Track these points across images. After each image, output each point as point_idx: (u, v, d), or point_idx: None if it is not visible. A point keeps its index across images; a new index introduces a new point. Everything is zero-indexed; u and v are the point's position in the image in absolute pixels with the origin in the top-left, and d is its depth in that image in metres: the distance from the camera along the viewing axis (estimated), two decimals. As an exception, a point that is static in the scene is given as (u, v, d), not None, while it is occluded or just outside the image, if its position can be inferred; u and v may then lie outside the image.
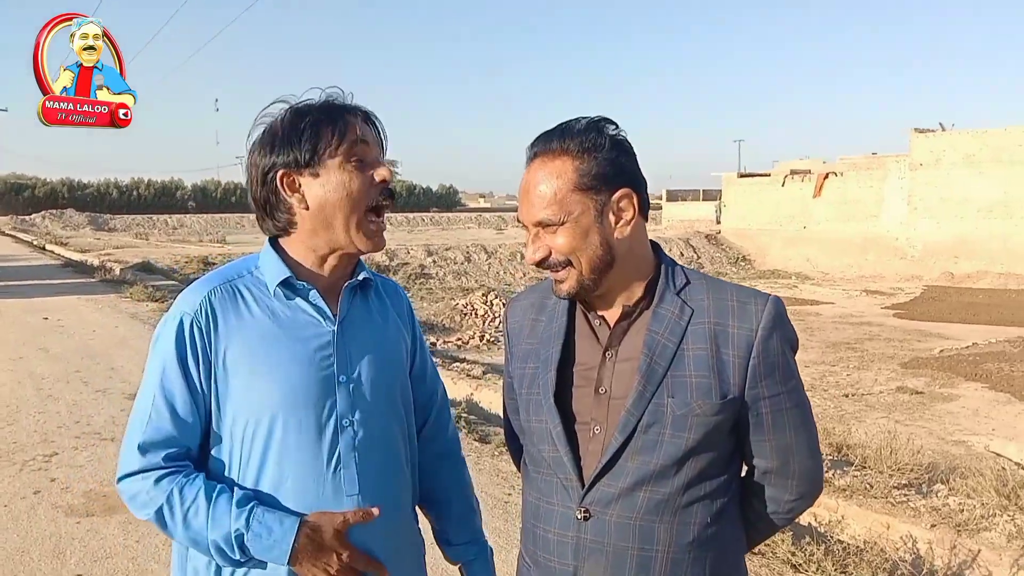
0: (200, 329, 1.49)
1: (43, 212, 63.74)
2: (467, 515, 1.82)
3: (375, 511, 1.49)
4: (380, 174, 1.55)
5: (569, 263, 1.42)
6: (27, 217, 61.68)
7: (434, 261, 25.85)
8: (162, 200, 79.58)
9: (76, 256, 27.47)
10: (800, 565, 3.95)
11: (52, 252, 31.69)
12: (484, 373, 8.72)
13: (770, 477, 1.51)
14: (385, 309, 1.70)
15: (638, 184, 1.44)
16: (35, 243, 37.60)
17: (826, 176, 30.56)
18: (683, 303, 1.44)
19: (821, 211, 30.28)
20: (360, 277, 1.63)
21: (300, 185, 1.52)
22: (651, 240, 1.52)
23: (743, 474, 1.55)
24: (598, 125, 1.43)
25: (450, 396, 8.15)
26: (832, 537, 4.20)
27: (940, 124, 27.42)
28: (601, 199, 1.40)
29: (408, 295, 1.83)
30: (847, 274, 27.37)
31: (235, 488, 1.48)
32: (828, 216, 29.92)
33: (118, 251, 28.84)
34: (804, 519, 4.74)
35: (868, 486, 4.84)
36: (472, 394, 7.92)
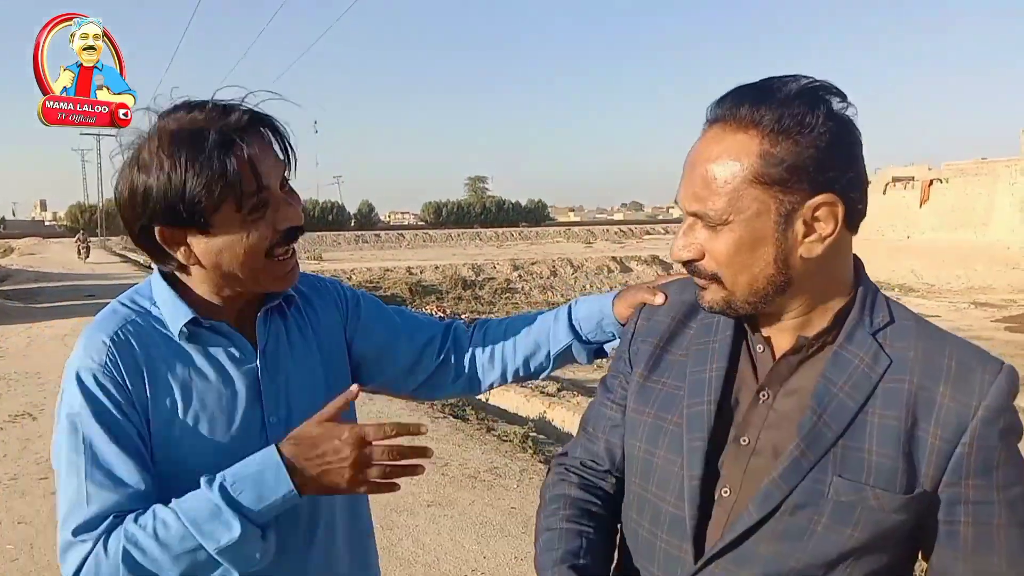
0: (114, 379, 1.23)
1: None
2: (547, 321, 1.57)
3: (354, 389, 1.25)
4: (286, 220, 1.27)
5: (718, 279, 1.09)
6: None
7: (520, 275, 25.77)
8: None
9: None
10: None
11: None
12: (559, 390, 8.50)
13: None
14: (313, 317, 1.46)
15: (851, 188, 1.03)
16: (142, 262, 39.26)
17: (931, 183, 29.18)
18: (879, 348, 1.06)
19: (926, 220, 28.94)
20: (278, 300, 1.40)
21: (186, 239, 1.26)
22: (854, 255, 1.13)
23: None
24: (815, 94, 1.02)
25: (521, 414, 7.96)
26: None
27: (1056, 125, 25.80)
28: (790, 200, 1.02)
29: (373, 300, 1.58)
30: (954, 285, 25.98)
31: None
32: (933, 225, 28.56)
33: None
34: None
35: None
36: (544, 412, 7.70)
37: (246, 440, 1.29)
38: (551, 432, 7.16)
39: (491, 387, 1.59)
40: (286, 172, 1.30)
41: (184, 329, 1.28)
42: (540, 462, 5.94)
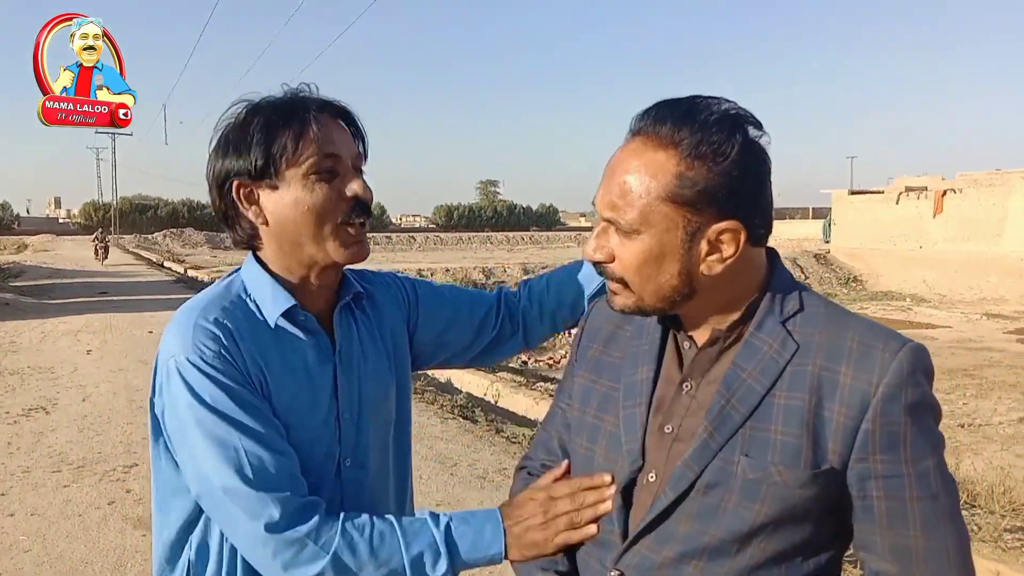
0: (229, 362, 1.26)
1: (164, 231, 67.16)
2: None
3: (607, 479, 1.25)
4: (352, 188, 1.33)
5: (625, 284, 1.14)
6: (149, 236, 65.15)
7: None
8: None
9: (189, 272, 28.66)
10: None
11: (169, 269, 33.18)
12: (569, 394, 8.50)
13: None
14: (376, 315, 1.51)
15: (754, 214, 1.10)
16: (154, 260, 39.47)
17: (944, 193, 29.04)
18: (787, 335, 1.11)
19: (939, 230, 28.76)
20: (350, 296, 1.45)
21: (258, 197, 1.33)
22: (769, 248, 1.19)
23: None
24: (734, 122, 1.07)
25: (530, 416, 7.97)
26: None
27: (1071, 137, 25.68)
28: (698, 220, 1.07)
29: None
30: (967, 297, 25.83)
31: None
32: (946, 235, 28.38)
33: (230, 268, 29.97)
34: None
35: (976, 527, 4.39)
36: (554, 415, 7.71)
37: (323, 433, 1.35)
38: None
39: (542, 340, 1.71)
40: (362, 163, 1.38)
41: (280, 318, 1.33)
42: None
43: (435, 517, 1.26)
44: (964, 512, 4.31)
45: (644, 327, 1.25)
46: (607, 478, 1.20)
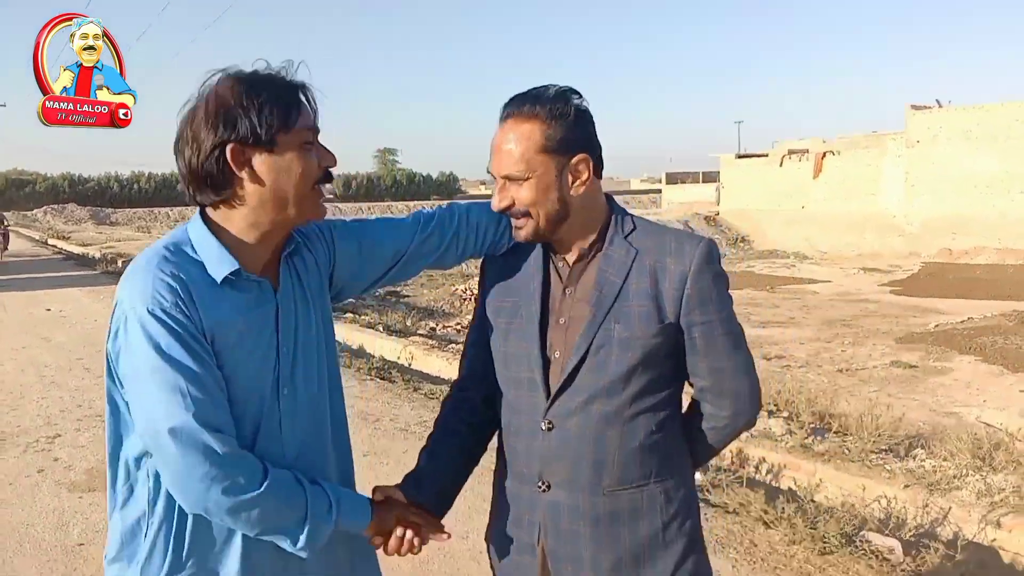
0: (185, 313, 1.41)
1: (45, 207, 63.87)
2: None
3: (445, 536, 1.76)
4: (326, 160, 1.55)
5: (528, 214, 1.63)
6: (29, 212, 61.84)
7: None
8: (163, 193, 79.32)
9: (78, 249, 27.65)
10: (771, 522, 4.09)
11: (54, 247, 31.83)
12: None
13: (707, 395, 1.73)
14: (309, 258, 1.68)
15: (594, 149, 1.65)
16: (38, 238, 37.68)
17: (824, 155, 30.51)
18: (629, 245, 1.66)
19: (819, 190, 30.25)
20: (291, 248, 1.63)
21: (251, 160, 1.47)
22: (605, 193, 1.73)
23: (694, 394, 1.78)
24: (566, 95, 1.63)
25: (443, 376, 8.23)
26: (806, 497, 4.33)
27: (936, 101, 27.42)
28: (562, 161, 1.60)
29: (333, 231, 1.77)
30: (845, 252, 27.36)
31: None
32: (826, 195, 29.89)
33: (120, 244, 29.00)
34: (783, 483, 4.88)
35: (846, 451, 4.97)
36: (466, 373, 8.02)
37: (265, 366, 1.53)
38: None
39: (457, 263, 1.91)
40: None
41: (228, 276, 1.48)
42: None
43: (335, 493, 1.55)
44: (837, 439, 4.89)
45: (530, 259, 1.75)
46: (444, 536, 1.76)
